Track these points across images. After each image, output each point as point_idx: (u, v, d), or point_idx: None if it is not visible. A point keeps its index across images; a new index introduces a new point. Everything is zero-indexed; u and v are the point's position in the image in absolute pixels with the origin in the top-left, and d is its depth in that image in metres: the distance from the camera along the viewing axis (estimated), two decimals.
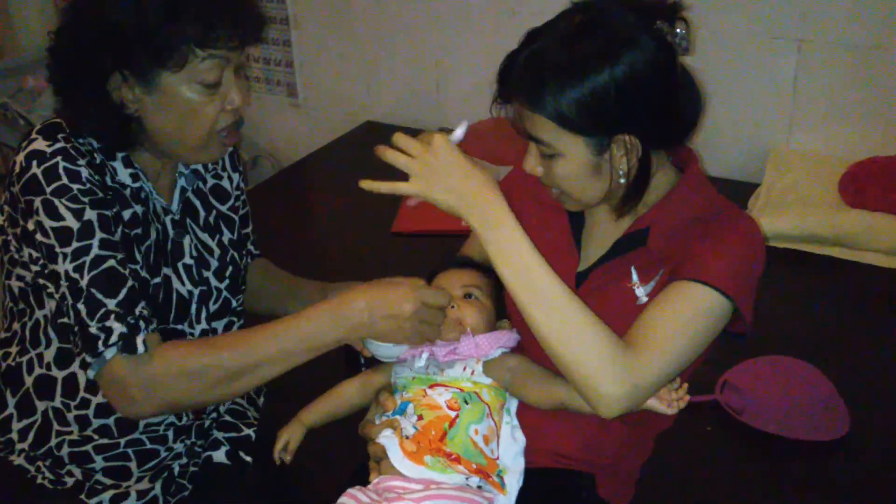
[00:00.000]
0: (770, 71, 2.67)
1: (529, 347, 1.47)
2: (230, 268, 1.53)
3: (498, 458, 1.39)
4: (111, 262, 1.30)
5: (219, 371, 1.31)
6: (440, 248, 2.59)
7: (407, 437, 1.36)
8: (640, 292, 1.37)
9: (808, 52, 2.60)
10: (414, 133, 3.21)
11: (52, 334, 1.41)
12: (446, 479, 1.32)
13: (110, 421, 1.44)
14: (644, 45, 1.24)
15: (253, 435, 1.58)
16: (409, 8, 3.21)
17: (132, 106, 1.33)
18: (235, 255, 1.55)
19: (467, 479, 1.33)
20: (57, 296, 1.32)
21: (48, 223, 1.29)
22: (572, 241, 1.46)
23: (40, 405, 1.45)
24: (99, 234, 1.30)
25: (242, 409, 1.62)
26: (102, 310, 1.28)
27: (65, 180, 1.29)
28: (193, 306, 1.47)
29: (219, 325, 1.51)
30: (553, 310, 1.25)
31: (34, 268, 1.35)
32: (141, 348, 1.29)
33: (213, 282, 1.50)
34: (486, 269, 1.55)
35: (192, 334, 1.45)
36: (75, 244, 1.28)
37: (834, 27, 2.55)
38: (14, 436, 1.46)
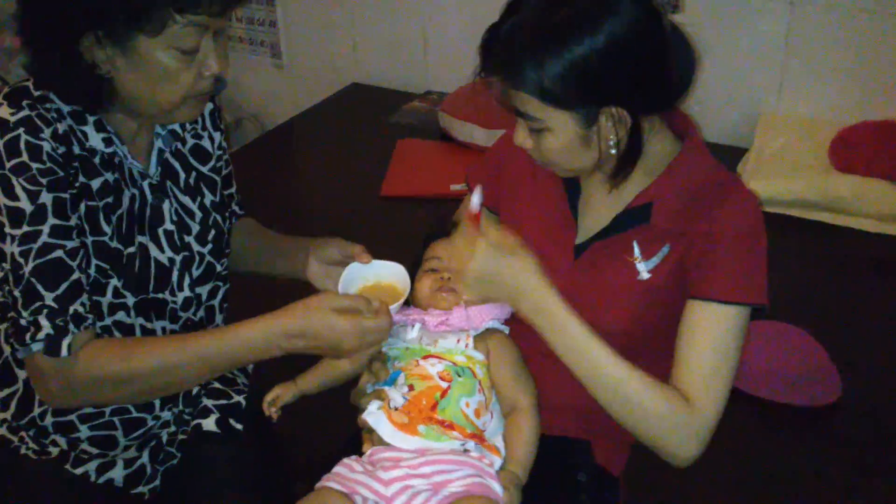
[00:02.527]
0: (760, 32, 2.63)
1: (521, 320, 1.45)
2: (213, 231, 1.49)
3: (485, 431, 1.38)
4: (58, 253, 1.26)
5: (139, 380, 1.29)
6: (428, 211, 2.58)
7: (396, 409, 1.34)
8: (642, 267, 1.35)
9: (800, 13, 2.57)
10: (401, 96, 3.18)
11: None
12: (441, 446, 1.31)
13: None
14: (624, 10, 1.19)
15: (243, 402, 1.55)
16: None
17: (104, 67, 1.27)
18: (218, 217, 1.51)
19: (463, 444, 1.32)
20: (1, 273, 1.29)
21: (2, 200, 1.25)
22: (569, 213, 1.43)
23: (21, 373, 1.42)
24: (51, 220, 1.25)
25: (232, 375, 1.59)
26: (38, 303, 1.25)
27: (24, 157, 1.25)
28: (175, 273, 1.43)
29: (203, 290, 1.48)
30: (614, 389, 1.29)
31: None
32: (64, 352, 1.26)
33: (196, 246, 1.46)
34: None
35: (174, 302, 1.42)
36: (25, 227, 1.24)
37: None
38: None
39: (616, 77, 1.21)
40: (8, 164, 1.25)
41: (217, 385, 1.56)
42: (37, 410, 1.41)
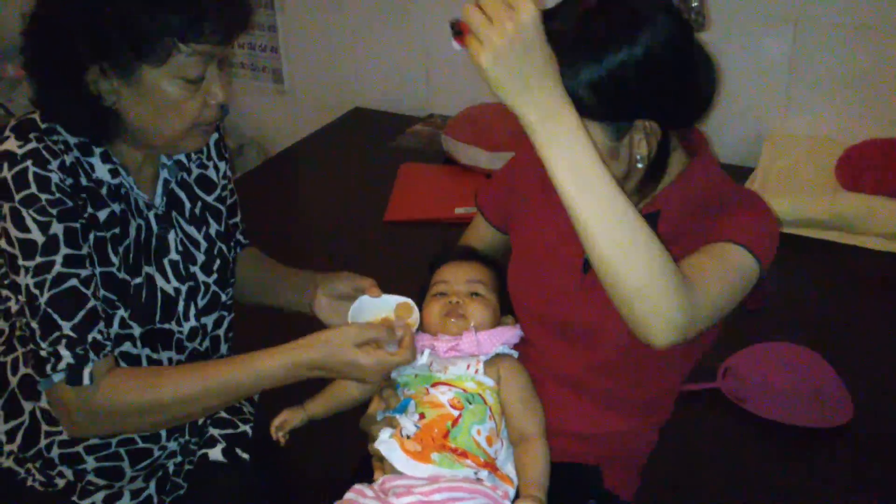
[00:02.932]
0: (765, 52, 2.63)
1: (532, 343, 1.44)
2: (218, 261, 1.49)
3: (497, 460, 1.36)
4: (73, 282, 1.26)
5: (161, 409, 1.30)
6: (433, 236, 2.57)
7: (408, 437, 1.33)
8: None
9: (804, 33, 2.57)
10: (404, 120, 3.18)
11: None
12: (455, 473, 1.29)
13: None
14: (661, 24, 1.19)
15: (250, 431, 1.54)
16: None
17: (110, 98, 1.27)
18: (223, 247, 1.50)
19: (476, 473, 1.30)
20: (15, 307, 1.28)
21: (14, 232, 1.25)
22: None
23: (27, 405, 1.41)
24: (64, 250, 1.26)
25: (238, 404, 1.58)
26: (56, 333, 1.25)
27: (33, 188, 1.25)
28: (181, 304, 1.42)
29: (208, 320, 1.47)
30: (619, 223, 1.11)
31: (2, 270, 1.32)
32: (87, 381, 1.26)
33: (201, 276, 1.45)
34: (489, 262, 1.52)
35: (180, 332, 1.41)
36: (38, 259, 1.25)
37: (830, 7, 2.52)
38: (2, 437, 1.42)
39: (650, 89, 1.20)
40: (17, 197, 1.24)
41: (223, 414, 1.54)
42: (43, 442, 1.39)
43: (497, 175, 1.63)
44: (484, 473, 1.31)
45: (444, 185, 2.79)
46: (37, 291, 1.25)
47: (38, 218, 1.25)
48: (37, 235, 1.25)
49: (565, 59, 1.15)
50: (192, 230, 1.46)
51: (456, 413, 1.34)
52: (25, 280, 1.25)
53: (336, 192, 2.89)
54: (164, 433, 1.44)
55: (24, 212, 1.25)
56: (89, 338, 1.27)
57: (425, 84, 3.29)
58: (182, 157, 1.45)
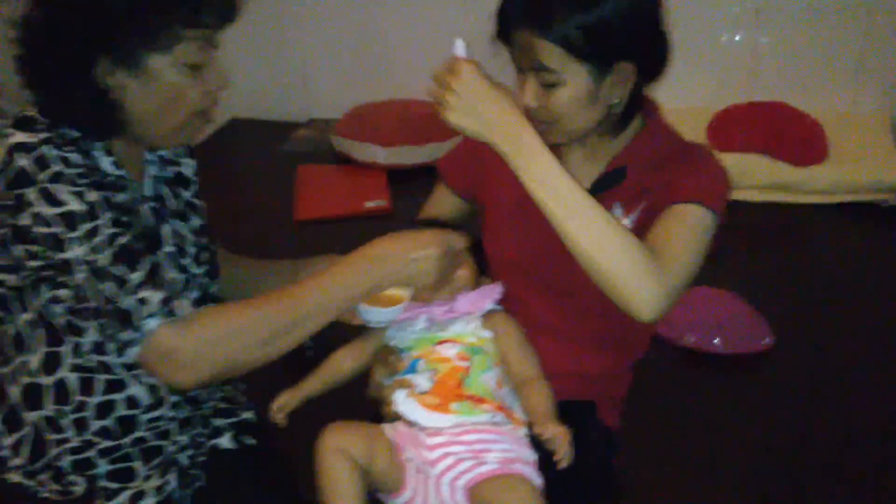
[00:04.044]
0: None
1: (515, 298, 1.53)
2: (205, 254, 1.50)
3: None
4: (125, 239, 1.23)
5: (266, 327, 1.28)
6: (349, 230, 2.62)
7: (424, 393, 1.39)
8: (626, 222, 1.46)
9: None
10: (285, 126, 3.21)
11: (36, 340, 1.34)
12: (475, 419, 1.36)
13: (110, 422, 1.37)
14: None
15: (252, 417, 1.55)
16: None
17: (115, 92, 1.27)
18: (206, 241, 1.52)
19: (493, 416, 1.37)
20: (72, 284, 1.25)
21: (48, 212, 1.21)
22: None
23: (29, 416, 1.37)
24: (106, 214, 1.23)
25: (231, 394, 1.59)
26: (132, 283, 1.23)
27: (58, 167, 1.22)
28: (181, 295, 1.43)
29: None
30: (589, 223, 1.28)
31: (32, 263, 1.28)
32: (185, 309, 1.24)
33: (192, 268, 1.46)
34: (459, 230, 1.60)
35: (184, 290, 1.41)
36: (84, 226, 1.21)
37: None
38: (6, 453, 1.37)
39: (634, 35, 1.33)
40: (43, 176, 1.21)
41: (223, 405, 1.56)
42: (52, 452, 1.36)
43: (458, 148, 1.71)
44: (500, 417, 1.38)
45: (346, 182, 2.86)
46: (94, 256, 1.21)
47: (72, 189, 1.21)
48: (76, 205, 1.21)
49: (559, 4, 1.30)
50: (178, 225, 1.46)
51: (465, 364, 1.41)
52: (77, 251, 1.21)
53: (235, 201, 2.88)
54: (174, 427, 1.44)
55: (54, 188, 1.21)
56: (166, 277, 1.25)
57: (303, 90, 3.33)
58: (164, 154, 1.46)
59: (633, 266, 1.28)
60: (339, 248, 2.28)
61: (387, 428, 1.36)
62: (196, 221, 1.50)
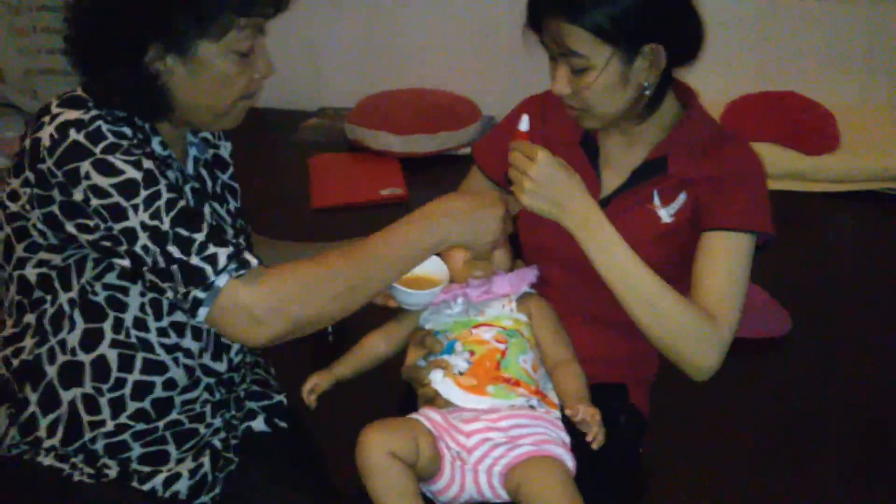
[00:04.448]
0: None
1: (550, 283, 1.55)
2: (242, 235, 1.51)
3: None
4: (182, 203, 1.25)
5: (338, 281, 1.29)
6: (365, 217, 2.61)
7: (460, 374, 1.40)
8: (664, 213, 1.49)
9: None
10: (296, 116, 3.17)
11: (77, 317, 1.34)
12: (509, 402, 1.37)
13: (146, 403, 1.38)
14: None
15: (285, 401, 1.56)
16: None
17: (164, 77, 1.28)
18: (243, 223, 1.53)
19: (528, 400, 1.39)
20: (137, 249, 1.24)
21: (106, 182, 1.21)
22: (593, 171, 1.54)
23: (66, 395, 1.37)
24: (163, 180, 1.25)
25: (264, 377, 1.60)
26: (197, 243, 1.23)
27: (112, 139, 1.23)
28: None
29: None
30: (649, 302, 1.39)
31: (86, 237, 1.28)
32: (254, 261, 1.24)
33: None
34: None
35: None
36: (144, 192, 1.22)
37: None
38: (42, 433, 1.37)
39: (661, 19, 1.37)
40: (98, 149, 1.22)
41: (256, 388, 1.56)
42: (87, 434, 1.36)
43: (494, 133, 1.73)
44: (535, 401, 1.40)
45: (360, 170, 2.86)
46: (156, 222, 1.22)
47: (128, 158, 1.23)
48: (133, 173, 1.23)
49: None
50: (216, 206, 1.47)
51: (502, 346, 1.42)
52: (139, 218, 1.22)
53: (250, 191, 2.86)
54: (208, 410, 1.44)
55: (110, 158, 1.22)
56: (230, 233, 1.26)
57: (314, 79, 3.33)
58: (208, 135, 1.47)
59: (688, 337, 1.39)
60: (358, 235, 2.30)
61: (422, 418, 1.36)
62: (232, 204, 1.51)
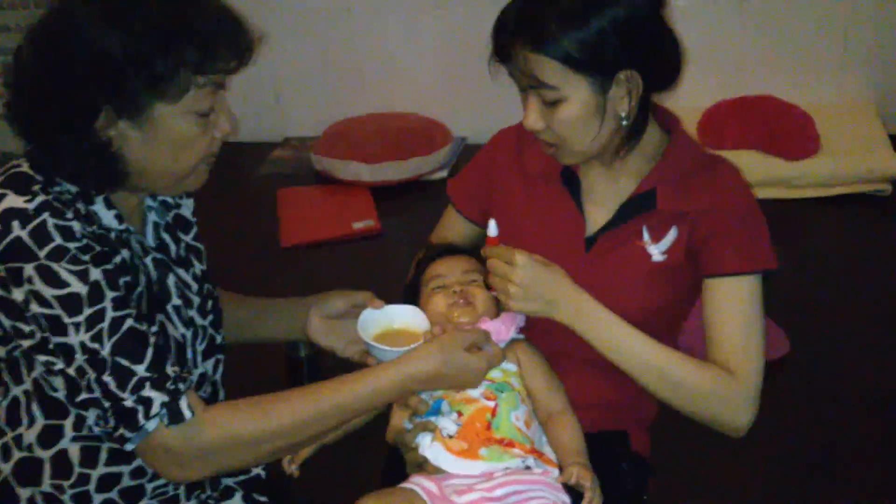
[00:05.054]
0: None
1: (537, 325, 1.44)
2: (210, 301, 1.41)
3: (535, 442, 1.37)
4: (129, 322, 1.17)
5: (277, 441, 1.23)
6: (338, 254, 2.54)
7: (450, 437, 1.31)
8: (654, 250, 1.40)
9: None
10: (260, 148, 3.08)
11: (36, 411, 1.24)
12: (504, 465, 1.29)
13: (114, 494, 1.28)
14: None
15: (263, 474, 1.46)
16: None
17: (116, 143, 1.18)
18: (209, 287, 1.42)
19: (524, 461, 1.30)
20: (70, 370, 1.16)
21: (49, 292, 1.13)
22: (575, 206, 1.45)
23: (23, 492, 1.27)
24: (110, 294, 1.16)
25: None
26: (134, 379, 1.16)
27: (58, 240, 1.14)
28: (189, 350, 1.34)
29: (208, 365, 1.39)
30: (663, 376, 1.35)
31: (25, 342, 1.18)
32: (188, 414, 1.17)
33: (198, 320, 1.37)
34: (476, 255, 1.52)
35: (191, 381, 1.33)
36: (87, 311, 1.14)
37: None
38: None
39: (633, 44, 1.28)
40: (42, 253, 1.12)
41: None
42: None
43: (468, 173, 1.63)
44: (531, 460, 1.31)
45: (330, 203, 2.76)
46: (96, 345, 1.14)
47: (73, 268, 1.14)
48: (78, 287, 1.14)
49: (555, 18, 1.25)
50: (181, 272, 1.37)
51: (492, 404, 1.33)
52: (78, 338, 1.14)
53: (216, 229, 2.76)
54: (182, 493, 1.34)
55: (55, 266, 1.13)
56: (170, 371, 1.18)
57: (276, 108, 3.23)
58: (167, 198, 1.36)
59: (711, 401, 1.35)
60: (331, 273, 2.20)
61: (417, 488, 1.28)
62: (198, 267, 1.41)
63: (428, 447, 1.31)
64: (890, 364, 2.09)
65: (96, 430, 1.25)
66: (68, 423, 1.24)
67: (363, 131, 2.91)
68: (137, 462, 1.28)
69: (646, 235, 1.41)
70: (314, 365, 1.70)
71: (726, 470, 1.85)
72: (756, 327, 1.37)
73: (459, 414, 1.33)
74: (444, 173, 2.90)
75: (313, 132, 3.12)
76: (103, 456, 1.26)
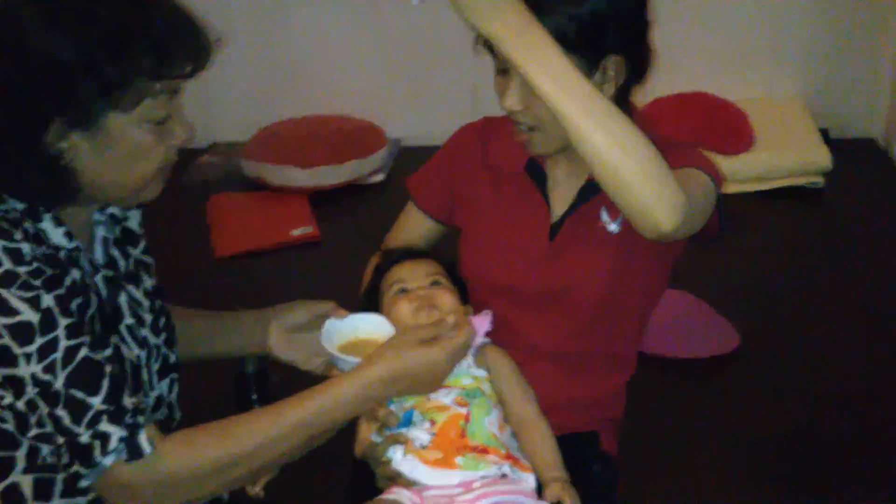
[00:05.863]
0: None
1: (503, 322, 1.43)
2: (162, 318, 1.33)
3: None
4: (84, 352, 1.11)
5: (239, 468, 1.19)
6: (276, 262, 2.45)
7: (423, 447, 1.27)
8: (613, 227, 1.40)
9: None
10: (184, 153, 2.99)
11: None
12: (481, 473, 1.25)
13: None
14: None
15: (226, 495, 1.38)
16: None
17: (67, 156, 1.11)
18: (160, 303, 1.34)
19: (500, 468, 1.26)
20: (20, 404, 1.09)
21: None
22: (541, 198, 1.44)
23: None
24: (62, 322, 1.10)
25: None
26: (89, 413, 1.10)
27: (8, 265, 1.07)
28: (144, 371, 1.26)
29: (163, 385, 1.32)
30: (608, 115, 1.16)
31: None
32: (147, 448, 1.12)
33: (151, 339, 1.30)
34: (435, 256, 1.49)
35: (147, 403, 1.25)
36: (39, 340, 1.08)
37: None
38: None
39: (624, 28, 1.27)
40: None
41: None
42: None
43: (430, 167, 1.59)
44: (506, 467, 1.27)
45: (265, 210, 2.66)
46: (48, 377, 1.08)
47: (24, 295, 1.07)
48: (29, 315, 1.07)
49: None
50: (132, 290, 1.29)
51: (465, 410, 1.29)
52: (30, 369, 1.07)
53: (149, 241, 2.66)
54: None
55: (4, 293, 1.06)
56: (128, 403, 1.11)
57: (204, 112, 3.11)
58: (115, 210, 1.28)
59: (657, 162, 1.16)
60: (270, 283, 2.12)
61: (401, 498, 1.23)
62: (148, 282, 1.33)
63: (400, 461, 1.27)
64: (836, 354, 2.12)
65: (50, 459, 1.16)
66: (21, 455, 1.17)
67: (297, 135, 2.83)
68: (94, 493, 1.20)
69: (604, 214, 1.40)
70: (263, 381, 1.63)
71: (689, 461, 1.87)
72: (703, 196, 1.28)
73: (432, 422, 1.29)
74: (381, 176, 2.84)
75: (242, 136, 3.02)
76: (59, 486, 1.19)
